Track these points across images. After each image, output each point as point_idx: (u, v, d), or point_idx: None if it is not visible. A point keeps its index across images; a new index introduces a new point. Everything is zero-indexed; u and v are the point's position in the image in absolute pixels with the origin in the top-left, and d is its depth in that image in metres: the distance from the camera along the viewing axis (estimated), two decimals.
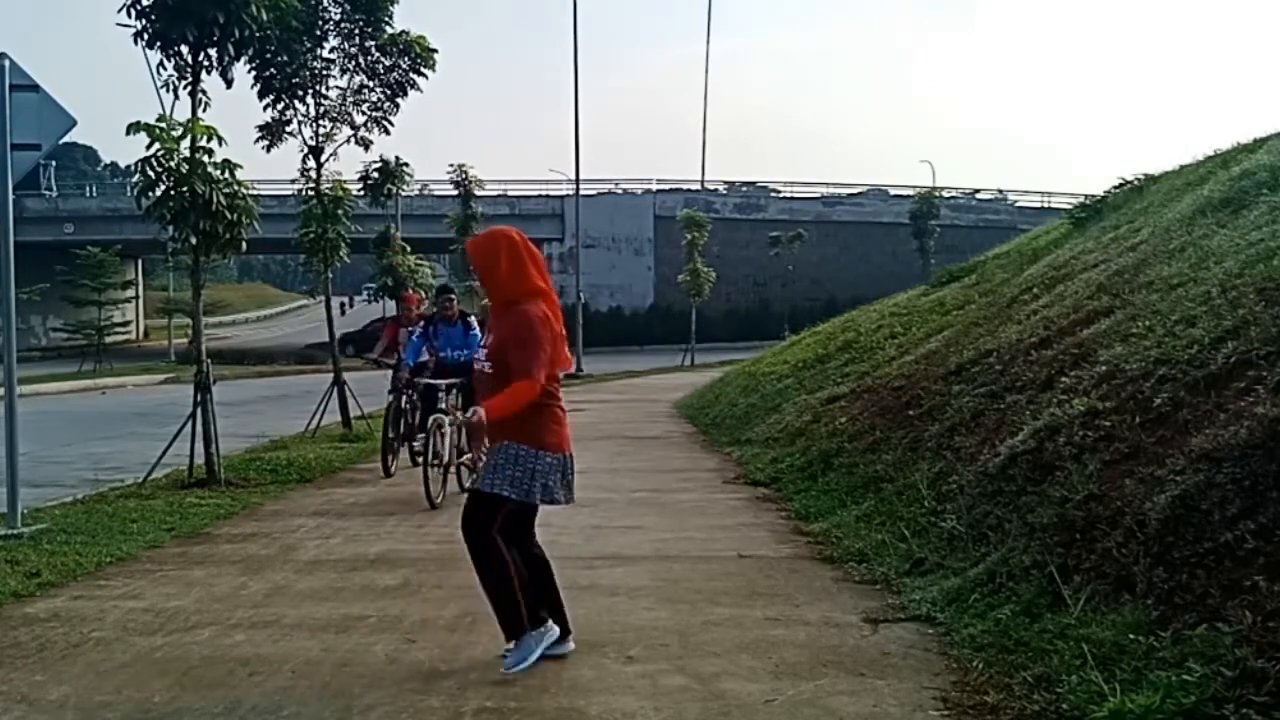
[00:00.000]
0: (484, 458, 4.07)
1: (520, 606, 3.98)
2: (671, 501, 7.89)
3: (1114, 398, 5.24)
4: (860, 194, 52.32)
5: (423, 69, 13.81)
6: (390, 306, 29.41)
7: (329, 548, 6.45)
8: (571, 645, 4.16)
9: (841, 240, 48.72)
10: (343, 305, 62.50)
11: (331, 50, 13.49)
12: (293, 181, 15.27)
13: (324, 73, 13.47)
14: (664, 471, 9.61)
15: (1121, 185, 12.85)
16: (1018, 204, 52.90)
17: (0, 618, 4.93)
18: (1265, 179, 7.88)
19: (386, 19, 13.50)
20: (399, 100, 13.97)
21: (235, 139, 9.05)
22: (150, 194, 8.53)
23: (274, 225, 16.25)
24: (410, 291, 14.43)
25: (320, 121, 13.61)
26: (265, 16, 8.99)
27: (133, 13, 8.78)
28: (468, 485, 8.03)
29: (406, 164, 15.79)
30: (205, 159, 8.53)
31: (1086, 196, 13.92)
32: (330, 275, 14.54)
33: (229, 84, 9.68)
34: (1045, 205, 50.20)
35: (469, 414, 3.96)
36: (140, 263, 55.07)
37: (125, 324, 46.94)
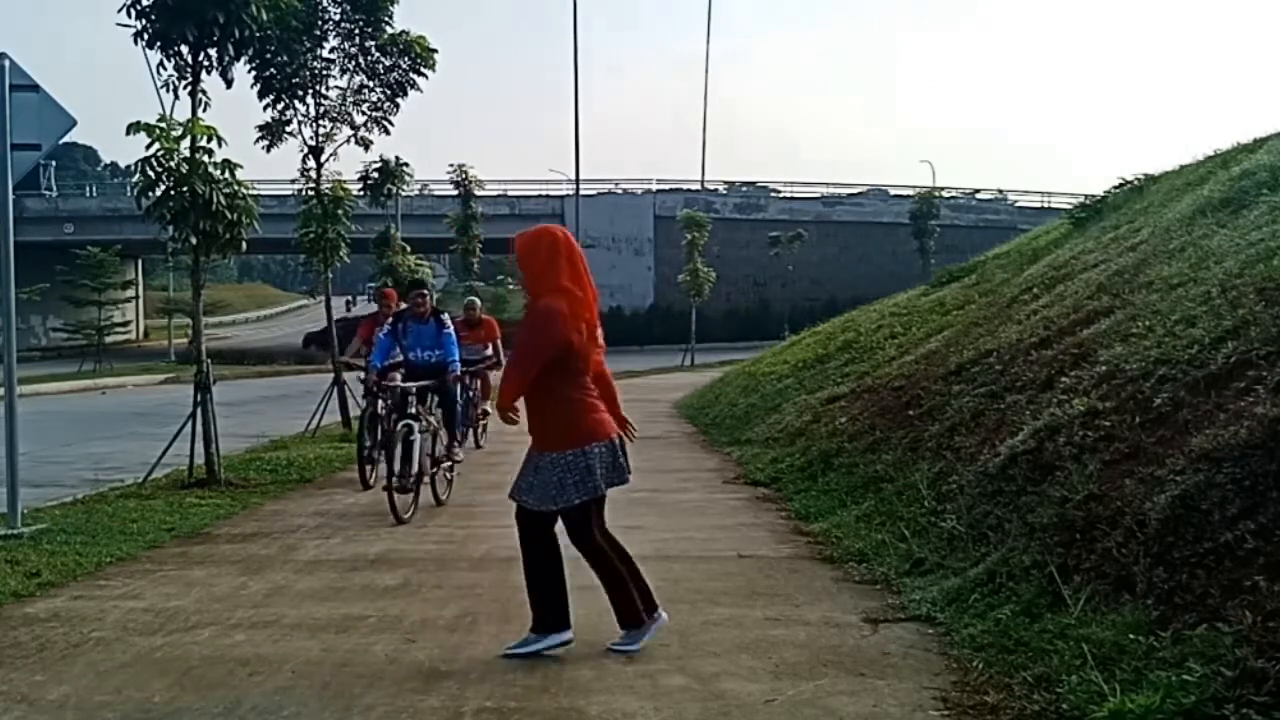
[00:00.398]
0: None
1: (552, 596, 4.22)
2: (671, 501, 7.89)
3: (1114, 398, 5.24)
4: (860, 194, 52.33)
5: (423, 69, 13.81)
6: None
7: (329, 548, 6.45)
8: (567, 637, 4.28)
9: (841, 240, 48.71)
10: (348, 303, 62.52)
11: (331, 50, 13.50)
12: (293, 181, 15.30)
13: (324, 73, 13.48)
14: (664, 471, 9.60)
15: (1121, 185, 12.86)
16: (1018, 204, 52.90)
17: (0, 618, 4.93)
18: (1265, 179, 7.88)
19: (386, 19, 13.51)
20: (399, 100, 13.98)
21: (235, 139, 9.06)
22: (150, 194, 8.53)
23: (274, 225, 16.24)
24: (390, 287, 13.56)
25: (320, 121, 13.62)
26: (265, 16, 8.99)
27: (133, 13, 8.77)
28: (443, 497, 7.99)
29: (406, 164, 15.79)
30: (205, 159, 8.52)
31: (1086, 196, 13.93)
32: (330, 275, 14.54)
33: (229, 84, 9.68)
34: (1045, 205, 50.19)
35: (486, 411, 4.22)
36: (140, 263, 55.08)
37: (125, 324, 46.92)
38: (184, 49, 8.87)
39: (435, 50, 13.78)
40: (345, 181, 14.34)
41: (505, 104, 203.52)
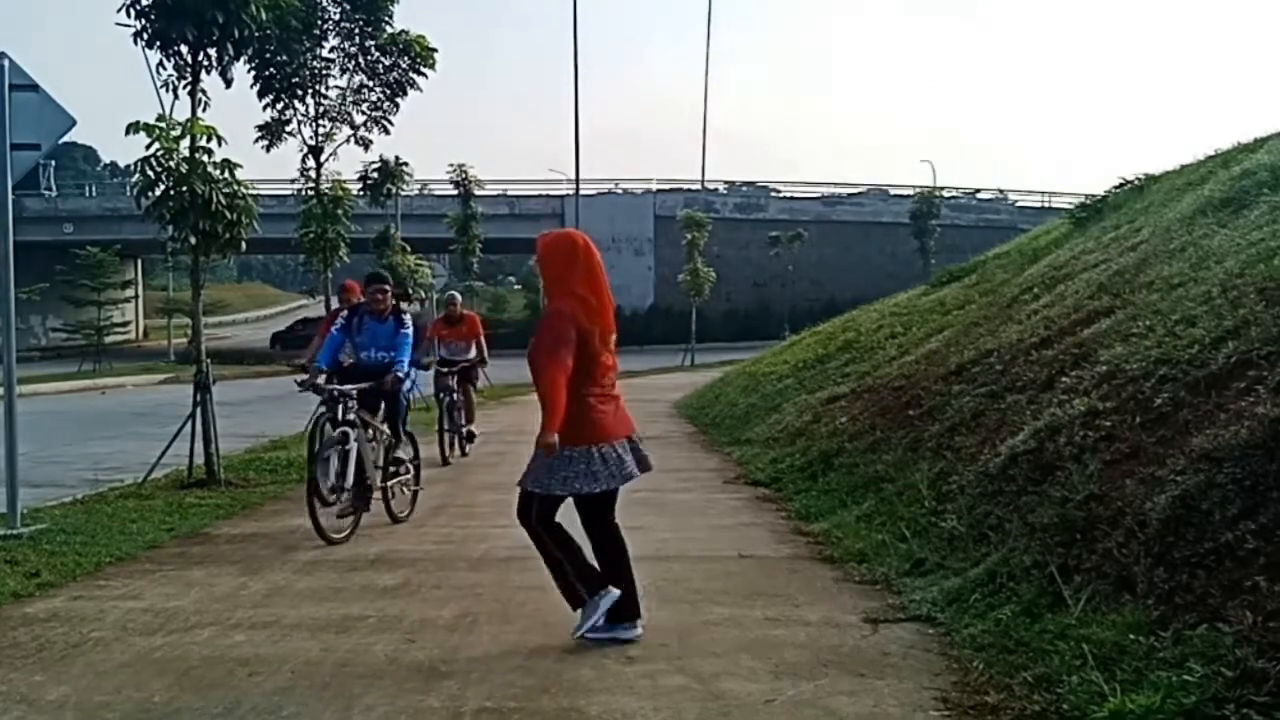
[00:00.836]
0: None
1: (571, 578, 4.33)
2: (671, 502, 7.88)
3: (1114, 398, 5.23)
4: (860, 194, 52.36)
5: (422, 68, 13.84)
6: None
7: (328, 548, 6.43)
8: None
9: (841, 240, 48.72)
10: None
11: (331, 50, 13.54)
12: (292, 181, 15.36)
13: (324, 72, 13.52)
14: (664, 471, 9.55)
15: (1122, 185, 12.86)
16: (1018, 204, 52.91)
17: (0, 618, 4.92)
18: (1266, 179, 7.88)
19: (386, 18, 13.53)
20: (399, 100, 14.01)
21: (235, 139, 9.05)
22: (150, 194, 8.53)
23: (274, 225, 16.25)
24: (353, 280, 10.87)
25: (320, 121, 13.65)
26: (265, 16, 8.98)
27: (132, 12, 8.77)
28: (400, 515, 7.21)
29: (406, 164, 15.83)
30: (205, 159, 8.53)
31: (1087, 196, 13.93)
32: (330, 275, 14.55)
33: (228, 84, 9.68)
34: (1045, 205, 50.21)
35: (545, 450, 4.14)
36: (140, 263, 55.10)
37: (125, 324, 47.02)
38: (183, 49, 8.86)
39: (435, 49, 13.82)
40: (345, 181, 14.36)
41: (505, 104, 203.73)
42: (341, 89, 13.78)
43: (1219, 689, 2.96)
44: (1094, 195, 13.53)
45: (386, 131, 14.28)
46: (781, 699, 3.65)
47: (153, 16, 8.71)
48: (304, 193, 14.12)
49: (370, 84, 13.90)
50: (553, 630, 4.48)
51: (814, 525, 6.62)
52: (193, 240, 8.65)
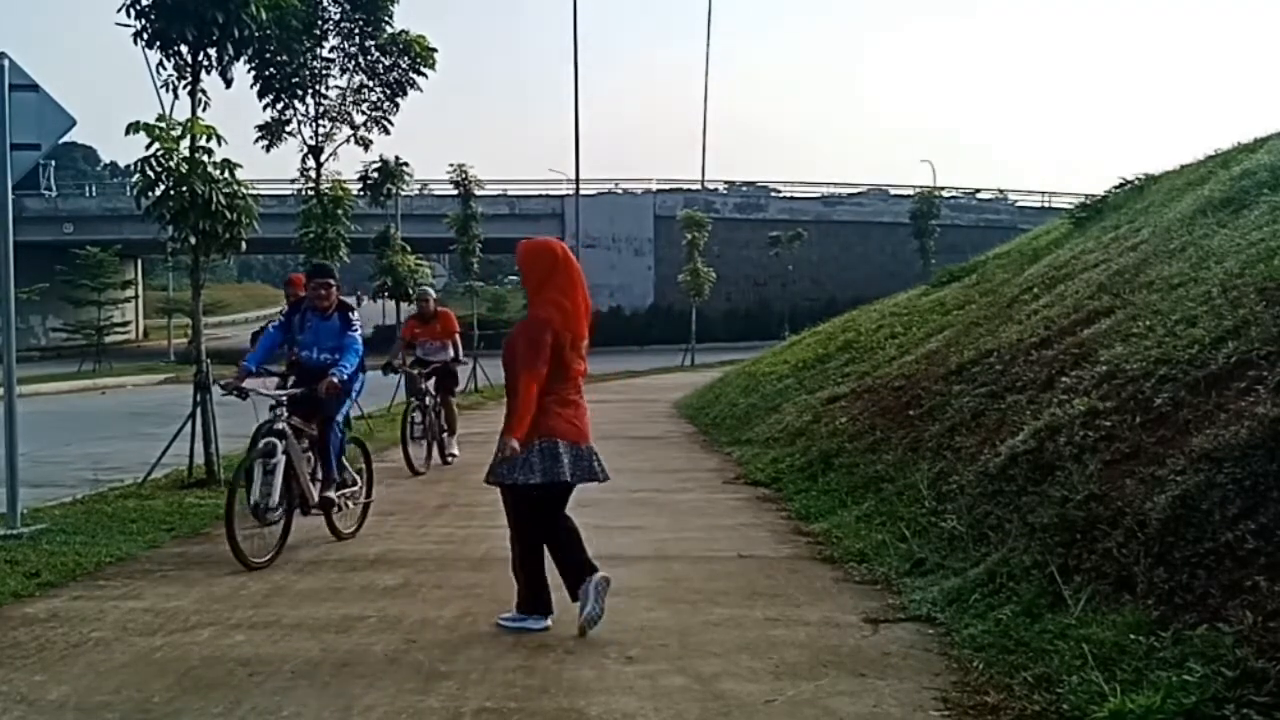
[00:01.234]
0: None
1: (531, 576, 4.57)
2: (671, 501, 7.88)
3: (1114, 398, 5.23)
4: (860, 194, 52.31)
5: (422, 68, 13.85)
6: (390, 309, 29.27)
7: (328, 548, 6.44)
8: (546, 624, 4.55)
9: (841, 240, 48.72)
10: (357, 300, 62.30)
11: (331, 50, 13.55)
12: (293, 181, 15.36)
13: (324, 72, 13.53)
14: (664, 471, 9.60)
15: (1122, 185, 12.86)
16: (1018, 204, 52.87)
17: (0, 618, 4.92)
18: (1266, 179, 7.88)
19: (386, 18, 13.54)
20: (399, 100, 14.01)
21: (235, 139, 9.05)
22: (150, 194, 8.53)
23: (274, 225, 16.24)
24: (297, 274, 10.55)
25: (320, 121, 13.66)
26: (265, 16, 8.99)
27: (132, 12, 8.77)
28: (346, 531, 6.67)
29: (406, 164, 15.83)
30: (205, 159, 8.53)
31: (1087, 196, 13.94)
32: None
33: (228, 84, 9.68)
34: (1046, 205, 50.17)
35: (504, 449, 4.33)
36: (140, 263, 55.05)
37: (125, 324, 46.92)
38: (183, 49, 8.86)
39: (435, 49, 13.83)
40: (345, 181, 14.36)
41: (505, 104, 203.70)
42: (341, 89, 13.80)
43: (1219, 689, 2.96)
44: (1094, 195, 13.54)
45: (386, 131, 14.30)
46: (782, 699, 3.65)
47: (153, 16, 8.71)
48: (304, 193, 14.13)
49: (370, 84, 13.91)
50: (552, 630, 4.48)
51: (814, 525, 6.63)
52: (193, 240, 8.65)
